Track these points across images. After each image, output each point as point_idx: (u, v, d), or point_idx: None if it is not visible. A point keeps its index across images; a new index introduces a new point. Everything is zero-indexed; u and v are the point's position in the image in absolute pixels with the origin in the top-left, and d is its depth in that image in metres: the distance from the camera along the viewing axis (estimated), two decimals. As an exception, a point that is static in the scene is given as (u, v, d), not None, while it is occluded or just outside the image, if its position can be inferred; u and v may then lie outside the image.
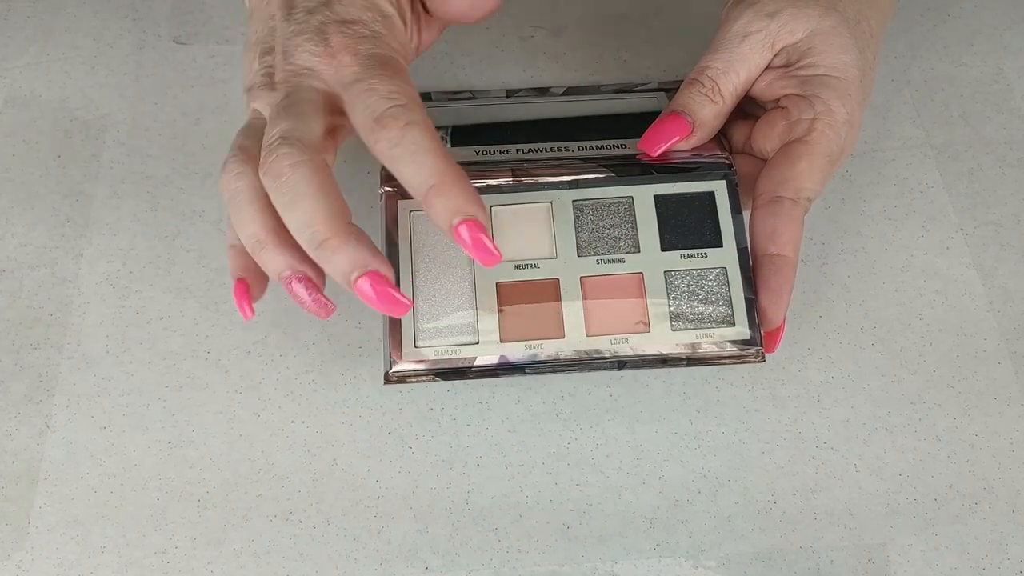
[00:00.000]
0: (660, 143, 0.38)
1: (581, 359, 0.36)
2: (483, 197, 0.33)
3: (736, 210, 0.37)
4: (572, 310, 0.36)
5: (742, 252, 0.37)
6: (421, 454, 0.38)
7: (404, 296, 0.32)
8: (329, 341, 0.41)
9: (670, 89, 0.43)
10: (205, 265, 0.43)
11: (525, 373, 0.36)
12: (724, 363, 0.36)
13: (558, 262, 0.37)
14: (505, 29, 0.50)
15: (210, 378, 0.40)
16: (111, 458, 0.38)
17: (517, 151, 0.40)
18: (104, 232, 0.44)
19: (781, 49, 0.38)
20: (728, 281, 0.37)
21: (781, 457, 0.38)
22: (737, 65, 0.37)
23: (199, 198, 0.44)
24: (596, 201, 0.38)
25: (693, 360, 0.36)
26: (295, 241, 0.32)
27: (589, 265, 0.37)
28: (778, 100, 0.38)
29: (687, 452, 0.39)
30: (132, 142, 0.46)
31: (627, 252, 0.37)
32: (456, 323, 0.36)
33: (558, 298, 0.36)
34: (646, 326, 0.36)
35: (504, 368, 0.36)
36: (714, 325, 0.36)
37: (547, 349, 0.36)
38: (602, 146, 0.40)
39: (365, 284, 0.31)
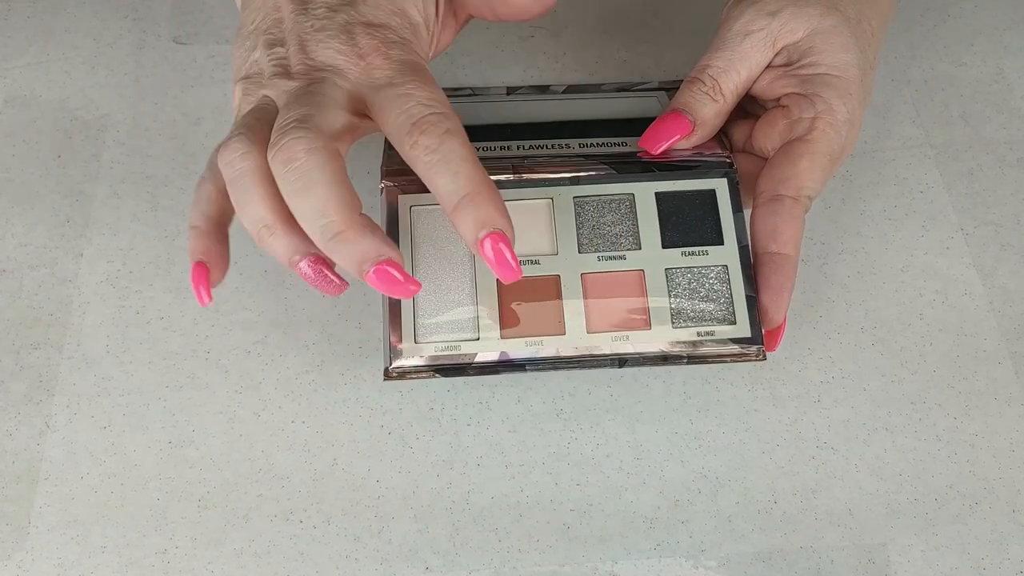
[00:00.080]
0: (661, 141, 0.38)
1: (582, 356, 0.36)
2: None
3: (737, 208, 0.37)
4: (573, 307, 0.36)
5: (743, 250, 0.37)
6: (421, 454, 0.38)
7: (414, 281, 0.32)
8: (329, 341, 0.41)
9: (670, 89, 0.43)
10: (205, 265, 0.43)
11: (525, 370, 0.36)
12: (725, 361, 0.36)
13: (559, 258, 0.37)
14: (505, 29, 0.50)
15: (210, 378, 0.40)
16: (111, 458, 0.38)
17: (518, 148, 0.39)
18: (104, 232, 0.43)
19: (782, 48, 0.38)
20: (729, 279, 0.36)
21: (781, 457, 0.38)
22: (738, 64, 0.37)
23: (199, 198, 0.44)
24: (597, 198, 0.38)
25: (694, 358, 0.36)
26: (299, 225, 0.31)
27: (590, 262, 0.37)
28: (779, 99, 0.38)
29: (687, 452, 0.39)
30: (132, 142, 0.46)
31: (628, 249, 0.37)
32: (456, 319, 0.36)
33: (559, 295, 0.36)
34: (647, 323, 0.36)
35: (504, 365, 0.36)
36: (715, 323, 0.36)
37: (548, 346, 0.36)
38: (603, 143, 0.40)
39: (379, 273, 0.31)
